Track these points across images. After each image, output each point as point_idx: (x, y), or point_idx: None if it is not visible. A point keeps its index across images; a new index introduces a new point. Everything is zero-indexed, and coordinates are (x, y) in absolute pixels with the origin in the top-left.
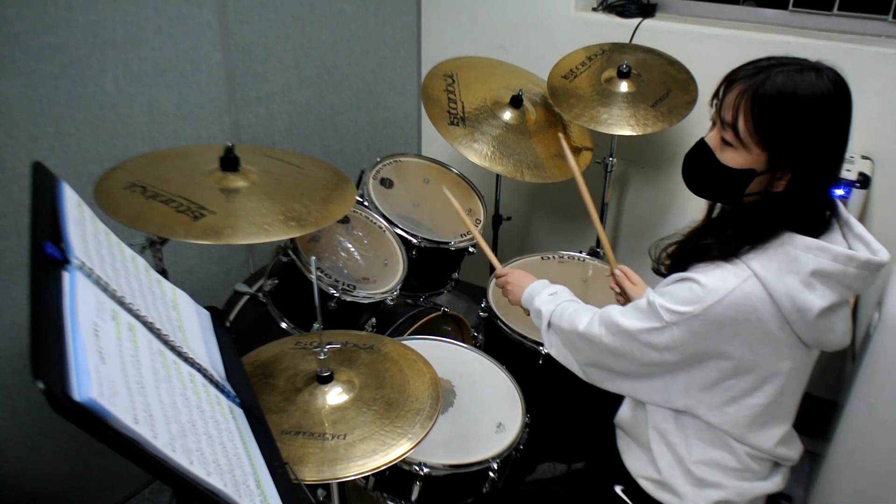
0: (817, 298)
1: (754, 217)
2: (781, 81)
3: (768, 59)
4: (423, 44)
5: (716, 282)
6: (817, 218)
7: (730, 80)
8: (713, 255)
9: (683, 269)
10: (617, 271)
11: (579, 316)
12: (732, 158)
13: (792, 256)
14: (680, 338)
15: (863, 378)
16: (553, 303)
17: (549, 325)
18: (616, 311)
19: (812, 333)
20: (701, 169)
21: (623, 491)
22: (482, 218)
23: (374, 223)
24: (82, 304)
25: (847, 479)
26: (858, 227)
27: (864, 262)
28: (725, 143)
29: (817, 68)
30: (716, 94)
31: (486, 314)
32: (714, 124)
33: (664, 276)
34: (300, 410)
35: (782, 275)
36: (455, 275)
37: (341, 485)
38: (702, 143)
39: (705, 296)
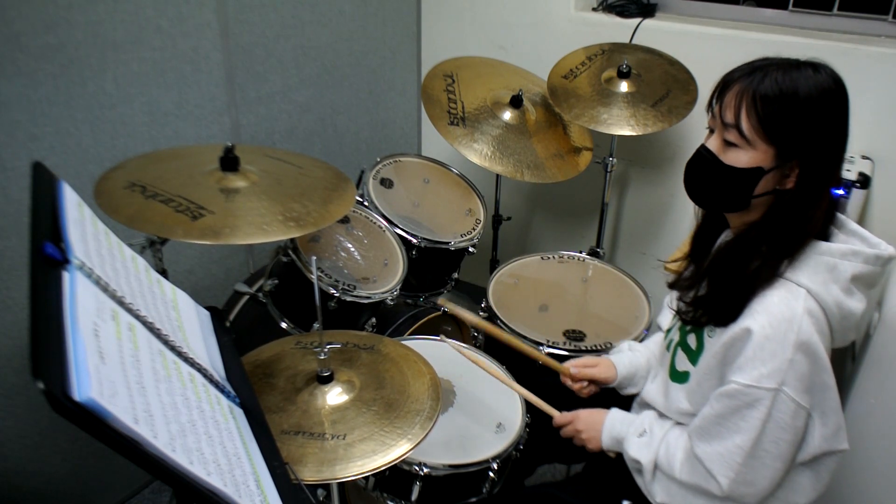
0: (857, 303)
1: (781, 223)
2: (780, 78)
3: (762, 59)
4: (423, 44)
5: (783, 312)
6: (831, 216)
7: (726, 82)
8: (761, 282)
9: (728, 314)
10: (573, 370)
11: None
12: (738, 158)
13: (831, 265)
14: (794, 392)
15: (862, 378)
16: (651, 448)
17: (655, 476)
18: (721, 448)
19: (843, 336)
20: (705, 174)
21: None
22: (482, 218)
23: (374, 223)
24: (82, 304)
25: (846, 479)
26: (851, 224)
27: (886, 258)
28: (729, 144)
29: (812, 64)
30: (712, 99)
31: (486, 314)
32: (712, 131)
33: (700, 323)
34: (300, 410)
35: (828, 285)
36: (455, 275)
37: (341, 485)
38: (703, 149)
39: (786, 331)
